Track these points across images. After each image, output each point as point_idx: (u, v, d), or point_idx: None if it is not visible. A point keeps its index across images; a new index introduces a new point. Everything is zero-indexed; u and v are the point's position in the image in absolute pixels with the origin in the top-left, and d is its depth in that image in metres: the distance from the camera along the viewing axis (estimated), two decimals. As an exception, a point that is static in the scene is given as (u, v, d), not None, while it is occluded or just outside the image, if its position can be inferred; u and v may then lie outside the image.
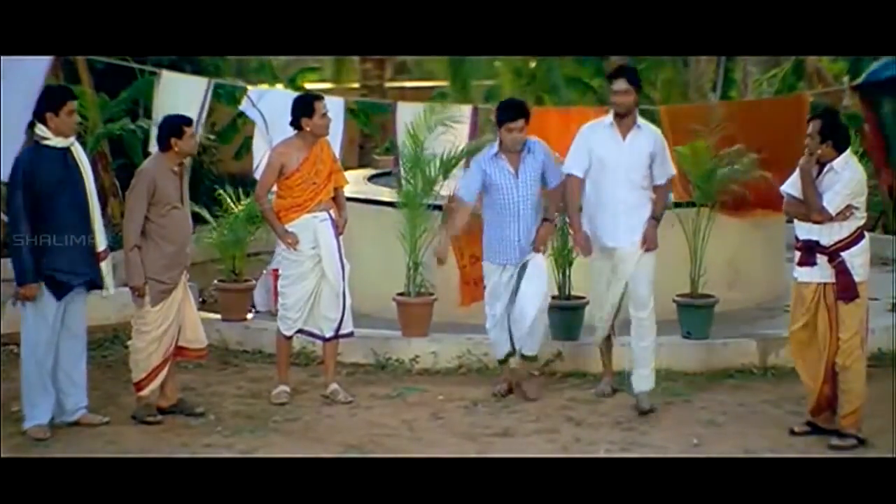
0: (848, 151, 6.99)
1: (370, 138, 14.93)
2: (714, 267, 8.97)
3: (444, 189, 9.11)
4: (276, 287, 8.49)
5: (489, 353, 8.52)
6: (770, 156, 8.74)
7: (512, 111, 7.69)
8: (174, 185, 7.35)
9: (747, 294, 9.84)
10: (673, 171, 7.74)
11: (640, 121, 7.65)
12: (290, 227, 7.73)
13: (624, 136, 7.58)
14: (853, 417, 6.97)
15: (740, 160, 8.76)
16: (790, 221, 7.28)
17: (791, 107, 10.08)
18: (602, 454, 6.85)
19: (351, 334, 7.97)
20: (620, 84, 7.56)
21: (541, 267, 7.79)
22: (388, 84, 15.99)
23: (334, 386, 7.93)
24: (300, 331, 7.92)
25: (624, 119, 7.58)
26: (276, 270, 8.49)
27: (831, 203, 6.83)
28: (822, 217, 6.84)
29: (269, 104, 9.75)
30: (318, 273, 7.76)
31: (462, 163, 9.48)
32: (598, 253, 7.67)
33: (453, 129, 9.27)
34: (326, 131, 7.76)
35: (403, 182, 9.01)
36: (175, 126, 7.40)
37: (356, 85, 15.81)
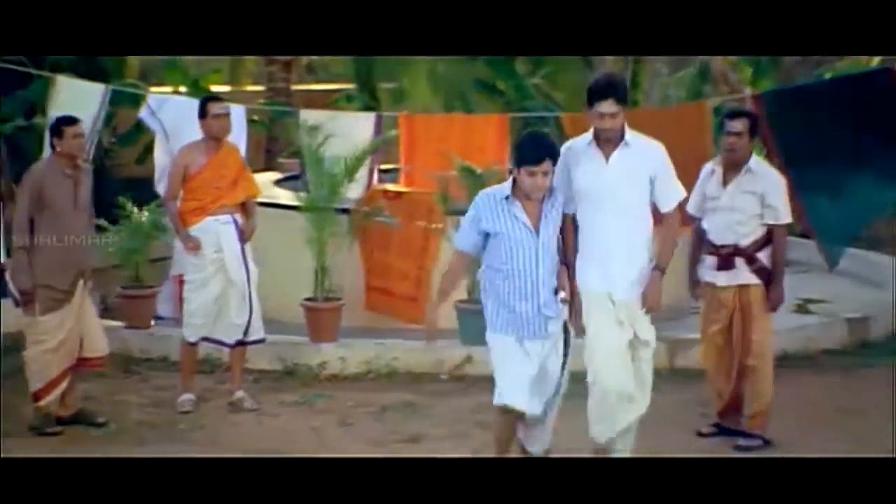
0: (755, 154, 7.09)
1: (276, 141, 14.79)
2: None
3: (350, 192, 9.06)
4: (181, 293, 8.37)
5: (398, 358, 8.48)
6: (672, 163, 8.76)
7: (535, 151, 5.72)
8: (66, 189, 7.17)
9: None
10: (682, 193, 6.20)
11: (631, 136, 6.05)
12: (192, 230, 7.63)
13: (607, 156, 6.01)
14: (760, 419, 7.03)
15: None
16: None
17: (693, 114, 10.15)
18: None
19: (262, 341, 7.87)
20: (608, 106, 5.90)
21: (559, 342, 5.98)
22: (295, 87, 15.83)
23: (240, 393, 7.82)
24: (206, 339, 7.81)
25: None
26: (182, 276, 8.35)
27: (787, 214, 6.95)
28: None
29: (169, 113, 9.58)
30: (223, 278, 7.66)
31: (367, 163, 9.45)
32: (592, 299, 6.04)
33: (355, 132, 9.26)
34: (222, 133, 7.71)
35: (310, 186, 8.95)
36: (54, 126, 7.27)
37: (262, 88, 15.64)
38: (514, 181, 5.79)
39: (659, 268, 6.05)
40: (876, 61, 11.01)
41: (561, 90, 14.35)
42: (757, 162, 7.03)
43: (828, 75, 13.09)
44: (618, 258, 5.98)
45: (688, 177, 8.13)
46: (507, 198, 5.79)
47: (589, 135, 6.06)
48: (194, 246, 7.59)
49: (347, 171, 8.87)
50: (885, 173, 9.00)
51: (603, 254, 5.99)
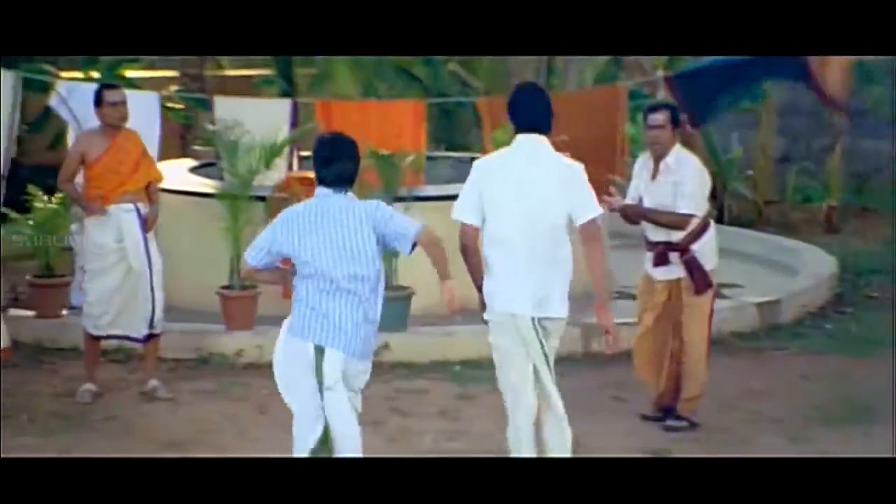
0: (678, 144, 7.04)
1: (191, 128, 14.61)
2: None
3: (267, 180, 8.99)
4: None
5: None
6: (586, 147, 8.80)
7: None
8: None
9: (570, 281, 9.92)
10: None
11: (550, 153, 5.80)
12: (94, 218, 7.59)
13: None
14: (692, 403, 7.10)
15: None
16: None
17: (608, 97, 10.19)
18: (429, 443, 6.85)
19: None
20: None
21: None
22: (209, 72, 15.64)
23: (154, 382, 7.76)
24: (115, 336, 7.77)
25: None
26: (86, 265, 8.27)
27: (692, 206, 6.89)
28: (689, 222, 6.89)
29: (80, 100, 9.43)
30: (125, 268, 7.60)
31: (285, 152, 9.39)
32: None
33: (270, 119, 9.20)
34: (119, 120, 7.66)
35: (225, 174, 8.88)
36: None
37: (175, 73, 15.41)
38: None
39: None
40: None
41: (477, 76, 14.36)
42: (677, 154, 6.95)
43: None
44: None
45: (601, 160, 8.21)
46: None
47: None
48: (99, 208, 7.54)
49: (263, 159, 8.80)
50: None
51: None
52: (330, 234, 5.25)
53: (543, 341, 5.72)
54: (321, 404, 5.25)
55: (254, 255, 5.48)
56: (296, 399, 5.34)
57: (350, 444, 5.30)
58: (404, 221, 5.36)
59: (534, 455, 5.72)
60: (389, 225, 5.29)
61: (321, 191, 5.34)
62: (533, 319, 5.67)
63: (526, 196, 5.63)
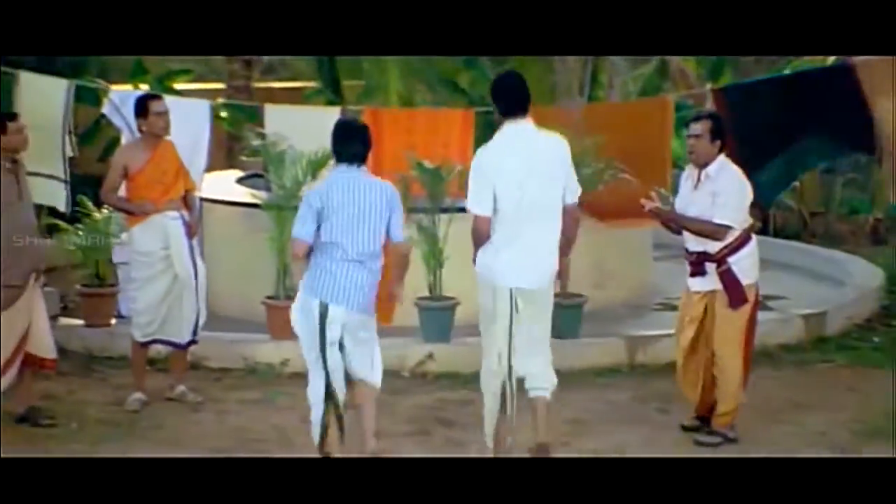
0: (722, 155, 7.01)
1: (238, 139, 14.71)
2: (581, 266, 9.05)
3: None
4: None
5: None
6: (633, 158, 8.80)
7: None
8: (9, 182, 7.16)
9: (614, 293, 9.95)
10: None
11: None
12: (139, 227, 7.66)
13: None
14: (725, 418, 7.06)
15: (600, 163, 8.75)
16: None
17: (654, 109, 10.15)
18: (474, 453, 6.87)
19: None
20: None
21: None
22: (256, 84, 15.75)
23: (181, 388, 7.87)
24: (158, 341, 7.83)
25: None
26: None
27: (727, 216, 6.85)
28: (725, 232, 6.87)
29: (133, 108, 9.55)
30: (171, 276, 7.68)
31: (331, 163, 9.44)
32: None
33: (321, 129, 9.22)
34: (164, 130, 7.73)
35: (271, 184, 8.94)
36: None
37: (222, 85, 15.53)
38: None
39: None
40: (830, 60, 11.08)
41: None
42: (719, 165, 6.93)
43: (786, 71, 13.21)
44: None
45: (648, 172, 8.19)
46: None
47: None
48: (152, 208, 7.60)
49: (309, 170, 8.86)
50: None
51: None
52: (354, 212, 6.15)
53: (518, 314, 6.29)
54: (321, 357, 6.19)
55: (303, 231, 6.21)
56: (305, 348, 6.31)
57: (367, 392, 6.36)
58: (401, 218, 6.33)
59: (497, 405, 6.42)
60: (396, 213, 6.28)
61: (340, 167, 6.26)
62: (511, 290, 6.25)
63: (534, 176, 6.18)
